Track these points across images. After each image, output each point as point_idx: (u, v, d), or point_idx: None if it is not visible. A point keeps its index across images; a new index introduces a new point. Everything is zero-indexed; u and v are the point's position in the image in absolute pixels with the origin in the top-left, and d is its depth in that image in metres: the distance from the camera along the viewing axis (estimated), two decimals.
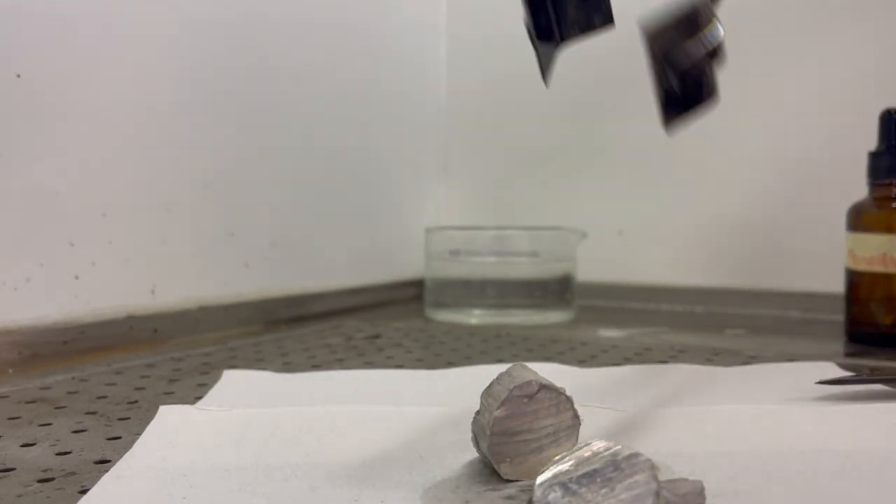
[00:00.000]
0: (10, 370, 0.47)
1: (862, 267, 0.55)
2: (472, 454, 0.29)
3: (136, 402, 0.39)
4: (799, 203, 0.73)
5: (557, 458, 0.22)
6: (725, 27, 0.30)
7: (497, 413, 0.26)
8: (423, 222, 0.84)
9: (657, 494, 0.20)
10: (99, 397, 0.40)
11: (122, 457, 0.30)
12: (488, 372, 0.33)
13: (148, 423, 0.34)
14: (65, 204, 0.51)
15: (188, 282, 0.60)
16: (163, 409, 0.36)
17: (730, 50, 0.30)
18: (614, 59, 0.66)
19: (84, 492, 0.26)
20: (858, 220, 0.55)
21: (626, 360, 0.49)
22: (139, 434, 0.32)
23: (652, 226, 0.80)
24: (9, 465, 0.29)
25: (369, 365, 0.48)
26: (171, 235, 0.58)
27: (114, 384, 0.43)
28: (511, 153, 0.88)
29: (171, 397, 0.40)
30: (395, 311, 0.75)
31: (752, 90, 0.73)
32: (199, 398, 0.39)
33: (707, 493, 0.23)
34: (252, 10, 0.65)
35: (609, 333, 0.61)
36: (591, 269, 0.77)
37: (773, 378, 0.42)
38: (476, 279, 0.70)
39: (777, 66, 0.72)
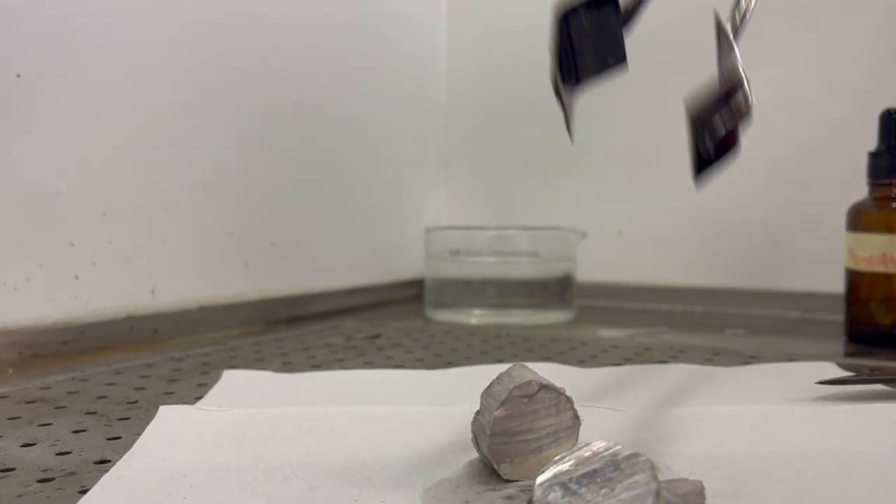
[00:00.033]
0: (10, 370, 0.47)
1: (862, 267, 0.55)
2: (472, 454, 0.29)
3: (136, 402, 0.39)
4: (799, 203, 0.73)
5: (557, 458, 0.21)
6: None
7: (497, 413, 0.26)
8: (422, 222, 0.84)
9: (657, 494, 0.20)
10: (99, 397, 0.40)
11: (122, 457, 0.30)
12: (488, 372, 0.33)
13: (148, 423, 0.34)
14: (65, 204, 0.51)
15: (188, 282, 0.60)
16: (163, 409, 0.35)
17: None
18: None
19: (84, 492, 0.26)
20: (858, 220, 0.55)
21: (626, 360, 0.49)
22: (139, 434, 0.32)
23: (652, 226, 0.80)
24: (9, 465, 0.29)
25: (369, 365, 0.48)
26: (171, 235, 0.58)
27: (114, 384, 0.43)
28: (511, 153, 0.88)
29: (171, 397, 0.40)
30: (394, 311, 0.75)
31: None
32: (199, 398, 0.39)
33: (707, 493, 0.23)
34: (252, 10, 0.65)
35: (609, 333, 0.61)
36: (591, 269, 0.77)
37: (773, 378, 0.42)
38: (476, 279, 0.70)
39: (777, 66, 0.72)
